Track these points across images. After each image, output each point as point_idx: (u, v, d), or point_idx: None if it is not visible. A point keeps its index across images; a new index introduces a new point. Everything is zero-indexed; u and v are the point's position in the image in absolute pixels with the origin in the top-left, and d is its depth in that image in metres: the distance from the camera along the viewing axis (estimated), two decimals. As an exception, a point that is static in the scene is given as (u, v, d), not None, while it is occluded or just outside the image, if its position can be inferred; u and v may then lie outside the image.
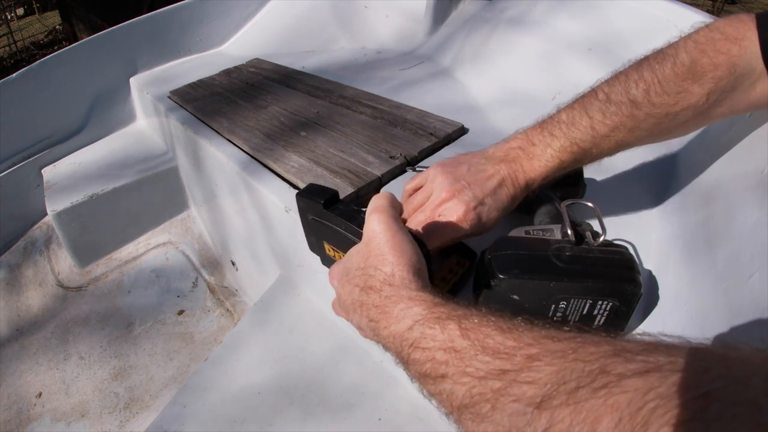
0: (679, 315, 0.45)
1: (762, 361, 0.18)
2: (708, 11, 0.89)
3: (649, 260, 0.53)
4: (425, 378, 0.29)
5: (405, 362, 0.31)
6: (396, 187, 0.71)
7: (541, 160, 0.47)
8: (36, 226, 1.34)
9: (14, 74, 1.21)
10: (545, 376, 0.22)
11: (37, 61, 1.24)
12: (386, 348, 0.34)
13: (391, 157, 0.75)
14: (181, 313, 1.11)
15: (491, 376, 0.24)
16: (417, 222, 0.48)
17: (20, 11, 7.29)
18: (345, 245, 0.47)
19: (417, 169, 0.72)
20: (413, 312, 0.31)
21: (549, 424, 0.20)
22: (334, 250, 0.52)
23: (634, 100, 0.44)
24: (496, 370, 0.24)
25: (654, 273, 0.52)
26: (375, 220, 0.38)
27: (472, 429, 0.25)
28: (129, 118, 1.43)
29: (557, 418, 0.20)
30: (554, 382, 0.21)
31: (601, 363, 0.21)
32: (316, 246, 0.55)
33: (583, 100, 0.47)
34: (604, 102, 0.46)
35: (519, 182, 0.48)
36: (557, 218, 0.51)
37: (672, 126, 0.46)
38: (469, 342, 0.27)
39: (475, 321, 0.28)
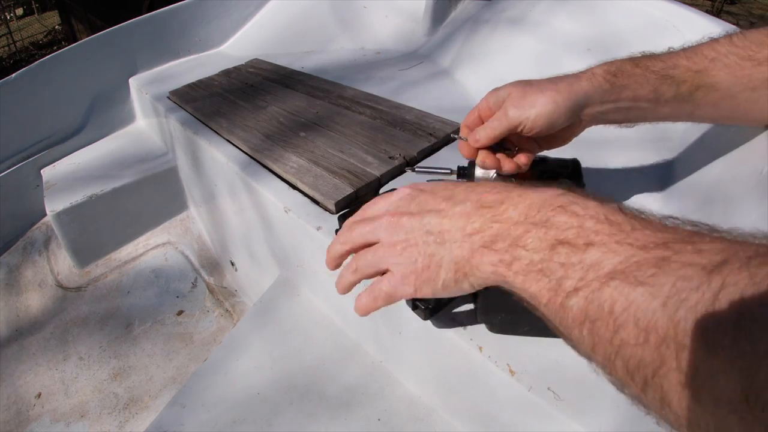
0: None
1: None
2: (707, 11, 0.89)
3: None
4: (561, 245, 0.26)
5: (538, 223, 0.28)
6: (396, 186, 0.71)
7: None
8: (35, 227, 1.34)
9: (14, 74, 1.21)
10: (715, 247, 0.21)
11: (37, 62, 1.24)
12: (499, 206, 0.31)
13: (390, 158, 0.75)
14: (180, 313, 1.11)
15: (654, 247, 0.22)
16: None
17: (20, 11, 7.29)
18: None
19: (416, 169, 0.72)
20: (558, 191, 0.29)
21: (721, 286, 0.19)
22: None
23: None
24: (660, 241, 0.23)
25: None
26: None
27: (618, 295, 0.22)
28: (128, 118, 1.43)
29: (730, 282, 0.19)
30: (726, 251, 0.20)
31: (762, 245, 0.20)
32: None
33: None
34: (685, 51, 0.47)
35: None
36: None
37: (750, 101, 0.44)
38: (625, 217, 0.25)
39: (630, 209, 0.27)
